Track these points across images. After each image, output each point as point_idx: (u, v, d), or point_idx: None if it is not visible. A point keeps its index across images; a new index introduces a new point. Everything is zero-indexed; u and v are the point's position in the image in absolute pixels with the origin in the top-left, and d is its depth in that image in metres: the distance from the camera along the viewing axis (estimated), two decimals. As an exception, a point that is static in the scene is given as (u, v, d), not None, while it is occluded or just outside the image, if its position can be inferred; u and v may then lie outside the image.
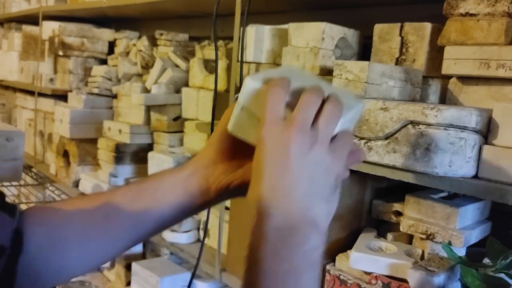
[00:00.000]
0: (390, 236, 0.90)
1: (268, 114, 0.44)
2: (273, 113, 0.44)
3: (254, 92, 0.49)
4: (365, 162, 0.78)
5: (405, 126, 0.71)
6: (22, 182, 1.85)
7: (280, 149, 0.43)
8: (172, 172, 0.56)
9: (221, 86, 1.26)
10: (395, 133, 0.73)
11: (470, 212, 0.82)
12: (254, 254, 0.42)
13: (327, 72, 0.94)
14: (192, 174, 0.55)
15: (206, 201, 0.56)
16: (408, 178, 0.72)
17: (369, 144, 0.76)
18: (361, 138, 0.78)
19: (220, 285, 1.24)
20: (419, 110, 0.70)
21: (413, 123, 0.70)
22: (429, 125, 0.69)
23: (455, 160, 0.68)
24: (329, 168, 0.44)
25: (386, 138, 0.74)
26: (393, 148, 0.73)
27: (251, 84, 0.49)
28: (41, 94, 2.03)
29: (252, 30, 1.05)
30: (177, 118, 1.46)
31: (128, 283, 1.47)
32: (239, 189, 0.54)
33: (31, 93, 2.17)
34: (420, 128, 0.69)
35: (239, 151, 0.53)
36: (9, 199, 1.79)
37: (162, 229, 0.57)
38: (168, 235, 1.29)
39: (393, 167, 0.73)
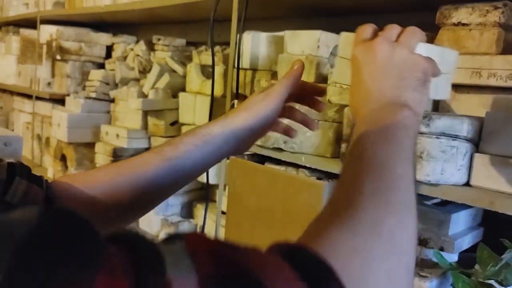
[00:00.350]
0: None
1: (357, 37, 0.52)
2: (362, 35, 0.52)
3: (347, 40, 0.56)
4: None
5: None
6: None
7: (369, 54, 0.50)
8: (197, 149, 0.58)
9: (218, 91, 1.27)
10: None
11: (462, 219, 0.84)
12: (358, 132, 0.46)
13: (322, 80, 0.96)
14: (220, 150, 0.58)
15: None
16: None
17: (363, 151, 0.77)
18: (355, 146, 0.79)
19: None
20: (411, 119, 0.71)
21: (406, 131, 0.72)
22: (421, 133, 0.70)
23: (447, 168, 0.69)
24: (415, 64, 0.50)
25: (380, 146, 0.75)
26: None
27: (344, 35, 0.57)
28: (38, 98, 2.04)
29: (248, 37, 1.06)
30: (174, 123, 1.47)
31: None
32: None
33: (28, 96, 2.18)
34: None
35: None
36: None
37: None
38: (165, 240, 1.30)
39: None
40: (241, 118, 0.58)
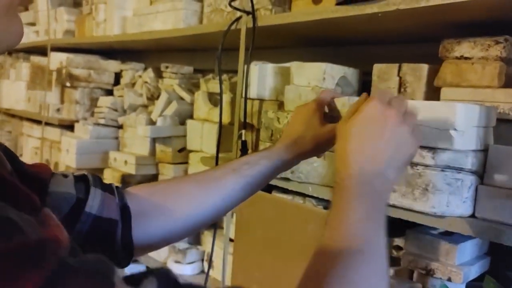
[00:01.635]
0: (391, 271, 0.92)
1: (376, 95, 0.55)
2: (380, 96, 0.55)
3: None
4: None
5: (403, 166, 0.74)
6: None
7: (381, 121, 0.53)
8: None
9: (225, 119, 1.29)
10: (394, 173, 0.75)
11: (468, 248, 0.84)
12: (340, 204, 0.50)
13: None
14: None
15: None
16: (407, 216, 0.75)
17: (369, 183, 0.79)
18: (362, 177, 0.80)
19: (224, 316, 1.26)
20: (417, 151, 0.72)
21: (411, 164, 0.73)
22: (426, 166, 0.71)
23: (452, 200, 0.71)
24: (409, 146, 0.54)
25: (386, 177, 0.76)
26: (392, 188, 0.75)
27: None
28: (47, 123, 2.07)
29: (255, 68, 1.08)
30: (182, 149, 1.49)
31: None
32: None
33: (37, 122, 2.21)
34: (418, 169, 0.72)
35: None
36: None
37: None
38: (173, 266, 1.31)
39: (393, 206, 0.76)
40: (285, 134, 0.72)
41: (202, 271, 1.31)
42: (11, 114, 2.62)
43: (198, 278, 1.27)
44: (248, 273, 1.05)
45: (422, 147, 0.72)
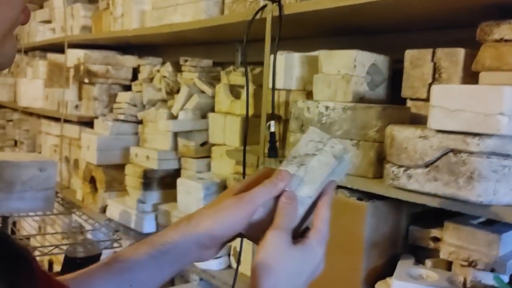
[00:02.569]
0: (429, 262, 0.89)
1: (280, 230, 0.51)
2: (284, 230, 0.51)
3: None
4: (404, 190, 0.78)
5: (445, 154, 0.71)
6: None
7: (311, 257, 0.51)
8: (154, 261, 0.54)
9: (249, 111, 1.27)
10: (435, 161, 0.72)
11: (511, 238, 0.81)
12: None
13: (359, 99, 0.95)
14: (179, 261, 0.55)
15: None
16: (450, 206, 0.72)
17: (408, 172, 0.76)
18: (400, 166, 0.77)
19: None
20: (460, 139, 0.69)
21: (454, 151, 0.70)
22: (471, 153, 0.68)
23: (499, 188, 0.68)
24: (317, 272, 0.52)
25: (426, 166, 0.74)
26: (434, 176, 0.73)
27: None
28: (66, 121, 2.07)
29: (281, 57, 1.06)
30: (204, 143, 1.47)
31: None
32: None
33: (55, 119, 2.20)
34: (462, 156, 0.69)
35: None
36: (36, 224, 1.81)
37: None
38: (198, 261, 1.29)
39: (435, 195, 0.73)
40: (206, 225, 0.53)
41: (229, 266, 1.29)
42: (28, 113, 2.63)
43: (225, 273, 1.25)
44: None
45: (466, 134, 0.69)
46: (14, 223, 2.45)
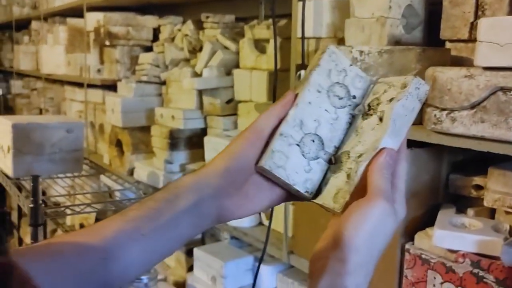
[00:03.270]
0: (470, 211, 0.86)
1: (382, 192, 0.44)
2: (386, 193, 0.44)
3: None
4: (448, 134, 0.74)
5: (494, 93, 0.67)
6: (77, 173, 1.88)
7: (386, 233, 0.44)
8: (169, 205, 0.48)
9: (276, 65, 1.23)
10: (482, 102, 0.68)
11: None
12: None
13: (394, 43, 0.90)
14: (198, 205, 0.48)
15: (208, 227, 0.51)
16: (499, 149, 0.68)
17: (452, 115, 0.72)
18: (443, 109, 0.73)
19: (286, 267, 1.23)
20: (510, 75, 0.64)
21: (504, 89, 0.65)
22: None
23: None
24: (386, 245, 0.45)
25: (472, 107, 0.69)
26: (481, 118, 0.68)
27: None
28: (89, 86, 2.06)
29: (310, 3, 1.01)
30: (230, 100, 1.44)
31: (190, 268, 1.47)
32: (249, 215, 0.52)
33: (79, 85, 2.20)
34: (512, 95, 0.64)
35: (252, 182, 0.50)
36: (64, 190, 1.83)
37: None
38: (229, 219, 1.28)
39: (481, 138, 0.69)
40: (215, 163, 0.49)
41: (260, 223, 1.27)
42: (52, 80, 2.63)
43: (257, 230, 1.24)
44: (312, 221, 1.00)
45: (517, 70, 0.64)
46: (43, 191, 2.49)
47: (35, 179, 0.89)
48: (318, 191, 0.49)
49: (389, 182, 0.45)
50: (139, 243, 0.46)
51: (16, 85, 3.28)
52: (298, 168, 0.49)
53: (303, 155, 0.50)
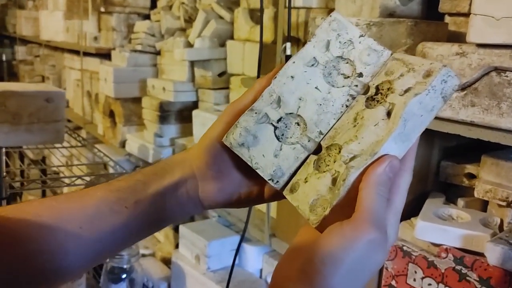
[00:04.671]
0: (461, 202, 0.79)
1: (372, 217, 0.35)
2: (378, 219, 0.35)
3: None
4: (435, 118, 0.67)
5: (487, 74, 0.59)
6: (73, 144, 1.85)
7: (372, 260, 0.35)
8: (155, 178, 0.46)
9: (268, 37, 1.16)
10: (474, 83, 0.61)
11: (561, 175, 0.70)
12: None
13: (388, 15, 0.82)
14: (181, 184, 0.46)
15: (192, 213, 0.49)
16: (489, 136, 0.61)
17: (440, 96, 0.65)
18: (431, 90, 0.66)
19: (270, 249, 1.18)
20: (506, 54, 0.57)
21: (498, 69, 0.58)
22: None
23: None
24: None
25: (463, 89, 0.62)
26: (471, 101, 0.61)
27: None
28: (86, 54, 2.00)
29: (301, -30, 0.93)
30: (222, 73, 1.37)
31: (177, 245, 1.44)
32: (236, 204, 0.48)
33: (77, 53, 2.14)
34: (507, 76, 0.57)
35: (231, 165, 0.45)
36: (60, 161, 1.80)
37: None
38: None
39: (471, 124, 0.62)
40: (198, 143, 0.46)
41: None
42: (53, 47, 2.58)
43: (241, 210, 1.19)
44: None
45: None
46: (43, 158, 2.48)
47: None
48: (291, 185, 0.42)
49: (384, 203, 0.36)
50: (120, 216, 0.43)
51: (20, 51, 3.24)
52: (266, 150, 0.42)
53: (277, 137, 0.43)
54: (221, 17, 1.42)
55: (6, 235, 0.40)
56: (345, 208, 0.36)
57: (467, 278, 0.66)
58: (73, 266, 0.42)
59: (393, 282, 0.75)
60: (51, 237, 0.42)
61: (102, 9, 1.81)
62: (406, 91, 0.38)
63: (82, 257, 0.43)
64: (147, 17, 1.85)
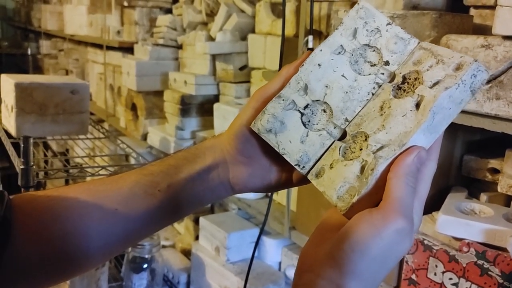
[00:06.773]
0: (484, 196, 0.78)
1: (401, 206, 0.36)
2: (406, 208, 0.36)
3: None
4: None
5: (513, 66, 0.59)
6: (96, 135, 1.87)
7: (396, 252, 0.36)
8: (187, 163, 0.47)
9: (290, 31, 1.16)
10: (499, 75, 0.60)
11: None
12: None
13: (412, 7, 0.81)
14: (212, 168, 0.47)
15: (223, 197, 0.50)
16: (514, 129, 0.60)
17: (465, 89, 0.64)
18: (455, 83, 0.65)
19: (289, 242, 1.19)
20: (533, 46, 0.56)
21: (524, 62, 0.57)
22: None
23: None
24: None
25: (488, 82, 0.61)
26: (496, 94, 0.60)
27: None
28: (109, 48, 2.03)
29: (324, -37, 0.93)
30: (244, 67, 1.38)
31: (197, 237, 1.45)
32: (266, 189, 0.48)
33: (100, 47, 2.17)
34: (533, 68, 0.56)
35: (261, 151, 0.46)
36: (84, 152, 1.83)
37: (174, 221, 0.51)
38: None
39: (495, 117, 0.61)
40: (230, 128, 0.46)
41: (266, 195, 1.23)
42: (77, 41, 2.62)
43: (261, 203, 1.20)
44: (315, 197, 0.95)
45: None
46: (67, 149, 2.52)
47: (25, 140, 0.87)
48: (316, 170, 0.42)
49: (412, 193, 0.36)
50: (154, 199, 0.45)
51: (45, 45, 3.30)
52: (293, 136, 0.43)
53: (304, 123, 0.43)
54: (242, 11, 1.42)
55: (47, 214, 0.42)
56: (372, 195, 0.37)
57: (489, 272, 0.65)
58: (104, 247, 0.44)
59: (413, 276, 0.75)
60: (88, 216, 0.43)
61: (125, 3, 1.83)
62: (435, 83, 0.38)
63: (115, 237, 0.44)
64: (169, 11, 1.86)
